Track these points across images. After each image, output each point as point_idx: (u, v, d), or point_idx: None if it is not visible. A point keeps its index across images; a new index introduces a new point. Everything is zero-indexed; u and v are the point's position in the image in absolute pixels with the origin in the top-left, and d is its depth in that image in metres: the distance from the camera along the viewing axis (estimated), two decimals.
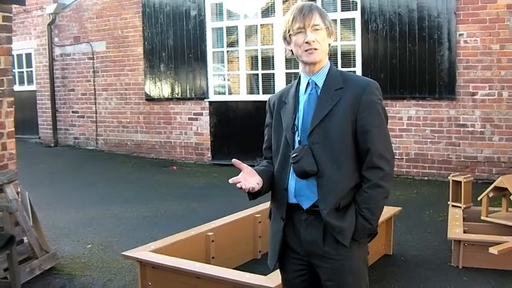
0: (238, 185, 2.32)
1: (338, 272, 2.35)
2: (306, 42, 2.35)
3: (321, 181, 2.32)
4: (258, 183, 2.38)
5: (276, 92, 2.78)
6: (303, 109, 2.42)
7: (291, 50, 2.45)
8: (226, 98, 10.57)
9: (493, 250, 4.39)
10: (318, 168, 2.31)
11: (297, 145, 2.39)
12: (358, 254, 2.38)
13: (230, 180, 2.34)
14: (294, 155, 2.35)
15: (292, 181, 2.40)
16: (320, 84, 2.41)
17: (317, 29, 2.35)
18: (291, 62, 9.64)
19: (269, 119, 2.61)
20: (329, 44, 2.44)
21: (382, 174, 2.31)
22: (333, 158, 2.32)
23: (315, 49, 2.36)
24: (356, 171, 2.35)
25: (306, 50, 2.37)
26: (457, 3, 8.09)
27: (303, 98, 2.45)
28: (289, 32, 2.40)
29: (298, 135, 2.40)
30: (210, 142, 10.59)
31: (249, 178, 2.36)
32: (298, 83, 2.50)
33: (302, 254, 2.43)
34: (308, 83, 2.44)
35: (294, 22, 2.37)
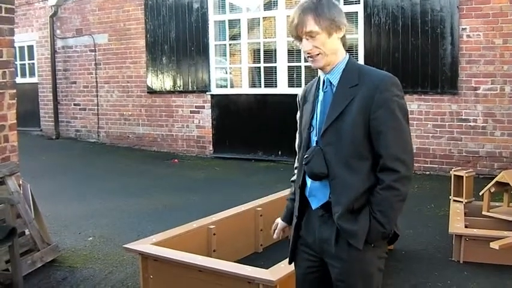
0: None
1: (347, 274, 2.28)
2: (305, 51, 2.29)
3: (334, 184, 2.24)
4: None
5: (303, 85, 2.69)
6: (319, 108, 2.34)
7: None
8: (228, 91, 10.56)
9: (494, 245, 4.39)
10: (329, 170, 2.24)
11: (313, 145, 2.33)
12: (370, 257, 2.28)
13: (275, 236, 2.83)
14: (306, 155, 2.30)
15: (309, 180, 2.36)
16: (335, 82, 2.31)
17: (312, 36, 2.23)
18: (293, 55, 9.62)
19: (299, 114, 2.55)
20: (342, 37, 2.33)
21: (396, 176, 2.18)
22: (345, 160, 2.22)
23: (317, 54, 2.26)
24: (371, 173, 2.23)
25: (308, 57, 2.31)
26: None
27: (320, 96, 2.36)
28: (294, 41, 2.35)
29: (315, 135, 2.34)
30: (211, 135, 10.59)
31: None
32: (319, 79, 2.41)
33: (316, 251, 2.38)
34: (324, 80, 2.35)
35: (289, 32, 2.33)
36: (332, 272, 2.34)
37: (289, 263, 2.56)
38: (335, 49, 2.30)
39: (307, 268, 2.45)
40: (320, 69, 2.34)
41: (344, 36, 2.35)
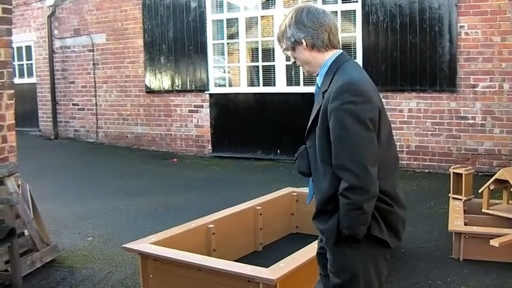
0: None
1: (332, 266, 2.42)
2: None
3: (314, 184, 2.43)
4: None
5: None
6: None
7: None
8: (227, 90, 10.55)
9: (494, 242, 4.39)
10: (311, 170, 2.41)
11: (303, 146, 2.49)
12: (352, 255, 2.34)
13: None
14: (296, 154, 2.46)
15: None
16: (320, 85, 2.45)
17: (286, 51, 2.48)
18: None
19: None
20: (313, 47, 2.40)
21: (345, 186, 2.18)
22: (316, 164, 2.36)
23: (300, 65, 2.48)
24: (338, 178, 2.24)
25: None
26: None
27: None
28: None
29: None
30: (210, 134, 10.58)
31: None
32: None
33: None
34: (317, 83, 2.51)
35: None
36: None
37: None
38: (306, 60, 2.45)
39: (319, 249, 2.62)
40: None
41: (313, 46, 2.40)
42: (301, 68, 2.51)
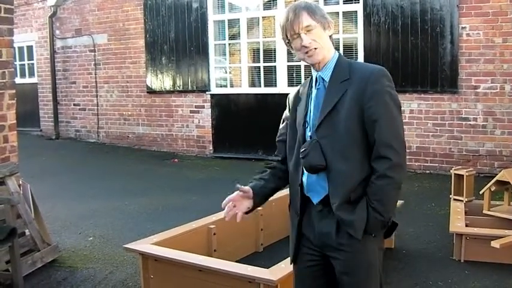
0: (226, 212, 2.53)
1: (351, 264, 2.32)
2: (304, 46, 2.35)
3: (331, 175, 2.30)
4: (248, 207, 2.56)
5: (294, 86, 2.81)
6: (313, 104, 2.42)
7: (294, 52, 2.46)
8: (228, 90, 10.55)
9: (495, 244, 4.38)
10: (326, 162, 2.30)
11: (308, 140, 2.39)
12: (372, 247, 2.34)
13: (224, 207, 2.57)
14: (302, 149, 2.35)
15: (305, 176, 2.41)
16: (327, 78, 2.39)
17: (310, 30, 2.32)
18: (292, 54, 9.59)
19: (287, 113, 2.61)
20: (330, 36, 2.41)
21: (389, 164, 2.24)
22: (341, 151, 2.29)
23: (315, 48, 2.35)
24: (366, 162, 2.29)
25: (306, 53, 2.37)
26: None
27: (313, 93, 2.44)
28: (286, 39, 2.42)
29: (309, 131, 2.40)
30: (211, 135, 10.58)
31: (240, 204, 2.55)
32: (311, 79, 2.50)
33: (317, 246, 2.42)
34: (316, 78, 2.44)
35: (285, 31, 2.38)
36: (336, 265, 2.37)
37: (291, 262, 2.56)
38: (329, 44, 2.40)
39: (308, 262, 2.47)
40: (314, 65, 2.41)
41: (331, 36, 2.43)
42: (302, 66, 2.50)
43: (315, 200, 2.37)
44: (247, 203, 2.57)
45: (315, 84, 2.44)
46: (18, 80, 11.35)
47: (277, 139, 2.66)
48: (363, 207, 2.27)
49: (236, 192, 2.52)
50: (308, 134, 2.40)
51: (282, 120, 2.64)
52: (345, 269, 2.33)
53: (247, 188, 2.54)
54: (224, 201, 2.53)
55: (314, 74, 2.46)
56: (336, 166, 2.29)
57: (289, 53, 9.65)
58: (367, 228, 2.27)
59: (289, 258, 2.60)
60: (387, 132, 2.25)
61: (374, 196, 2.26)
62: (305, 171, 2.38)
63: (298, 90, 2.57)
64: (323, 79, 2.40)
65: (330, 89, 2.35)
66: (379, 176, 2.24)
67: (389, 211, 2.31)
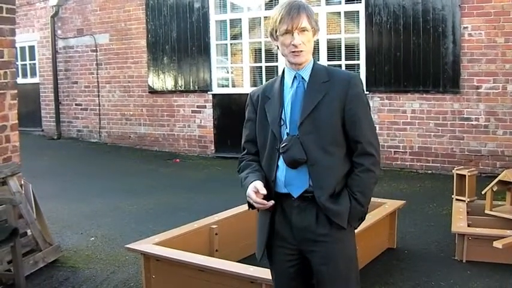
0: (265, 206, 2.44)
1: (331, 255, 2.40)
2: (293, 45, 2.40)
3: (314, 169, 2.39)
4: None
5: (258, 86, 2.81)
6: (290, 102, 2.48)
7: (277, 46, 2.51)
8: (230, 90, 10.55)
9: (497, 244, 4.38)
10: (308, 156, 2.38)
11: (285, 137, 2.44)
12: (350, 239, 2.48)
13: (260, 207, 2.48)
14: (283, 145, 2.41)
15: (281, 172, 2.45)
16: (306, 77, 2.47)
17: (304, 31, 2.40)
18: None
19: (251, 113, 2.65)
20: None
21: (372, 160, 2.42)
22: (324, 147, 2.40)
23: (301, 51, 2.42)
24: (347, 159, 2.45)
25: (292, 52, 2.43)
26: None
27: (288, 92, 2.50)
28: (276, 31, 2.45)
29: (286, 128, 2.46)
30: (213, 135, 10.58)
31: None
32: (283, 78, 2.55)
33: (293, 242, 2.47)
34: (295, 76, 2.49)
35: (282, 23, 2.41)
36: (313, 258, 2.43)
37: (259, 260, 2.61)
38: (312, 49, 2.50)
39: (285, 262, 2.53)
40: (297, 65, 2.47)
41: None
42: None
43: (296, 194, 2.42)
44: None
45: (292, 83, 2.50)
46: (20, 80, 11.37)
47: (244, 140, 2.67)
48: (346, 199, 2.41)
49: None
50: (285, 131, 2.45)
51: (245, 121, 2.68)
52: (325, 260, 2.40)
53: (263, 188, 2.44)
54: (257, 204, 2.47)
55: (291, 72, 2.50)
56: (319, 160, 2.39)
57: None
58: (349, 218, 2.41)
59: None
60: (368, 131, 2.45)
61: (357, 188, 2.41)
62: (282, 166, 2.43)
63: (265, 89, 2.61)
64: (302, 78, 2.48)
65: (312, 88, 2.45)
66: (363, 170, 2.41)
67: (368, 203, 2.48)
